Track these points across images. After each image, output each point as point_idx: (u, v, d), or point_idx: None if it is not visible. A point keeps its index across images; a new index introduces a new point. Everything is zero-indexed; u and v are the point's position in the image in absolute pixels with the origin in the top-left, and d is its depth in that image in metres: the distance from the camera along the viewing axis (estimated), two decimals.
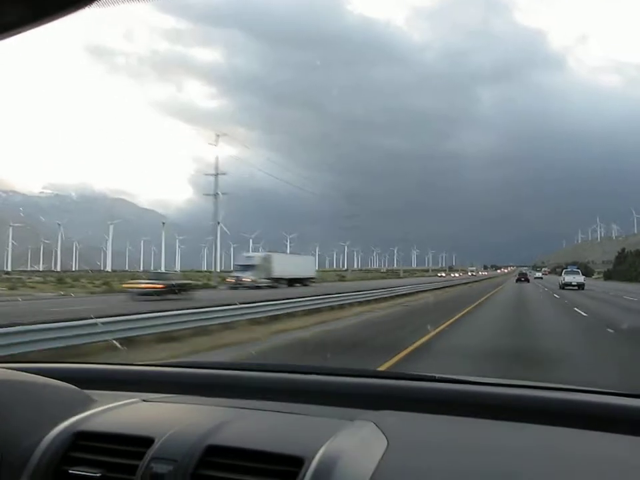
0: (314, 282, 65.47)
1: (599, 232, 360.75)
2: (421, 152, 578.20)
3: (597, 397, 1.67)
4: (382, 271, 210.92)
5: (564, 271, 61.06)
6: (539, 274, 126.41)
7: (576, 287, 53.21)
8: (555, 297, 40.58)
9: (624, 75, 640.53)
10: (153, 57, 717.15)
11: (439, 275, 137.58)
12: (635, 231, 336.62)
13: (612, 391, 1.73)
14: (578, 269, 62.89)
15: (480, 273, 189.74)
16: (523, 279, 77.80)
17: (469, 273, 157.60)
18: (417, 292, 40.46)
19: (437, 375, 1.98)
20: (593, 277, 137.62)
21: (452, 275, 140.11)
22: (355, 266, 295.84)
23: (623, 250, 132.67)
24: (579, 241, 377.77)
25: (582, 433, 1.47)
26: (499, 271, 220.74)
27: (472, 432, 1.54)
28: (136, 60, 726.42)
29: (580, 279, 55.28)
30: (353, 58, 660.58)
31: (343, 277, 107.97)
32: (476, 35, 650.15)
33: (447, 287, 54.03)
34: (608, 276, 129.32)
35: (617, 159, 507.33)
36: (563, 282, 55.06)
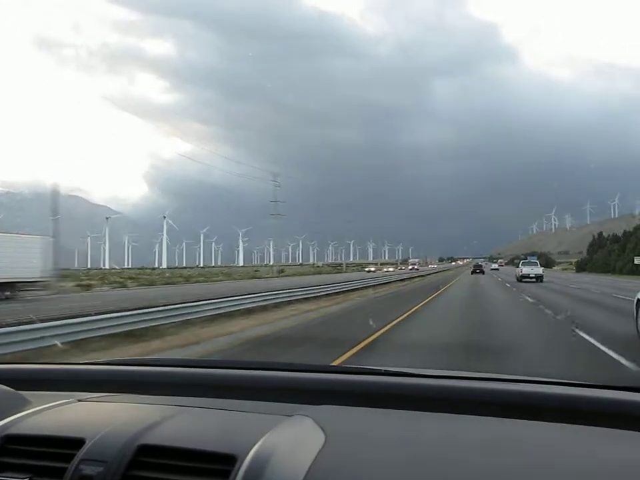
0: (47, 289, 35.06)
1: (553, 223, 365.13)
2: (377, 145, 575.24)
3: (543, 387, 1.69)
4: (318, 265, 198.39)
5: (521, 262, 55.16)
6: (495, 265, 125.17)
7: (534, 280, 48.21)
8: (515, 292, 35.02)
9: (575, 69, 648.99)
10: (103, 50, 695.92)
11: (368, 269, 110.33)
12: (588, 222, 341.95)
13: (557, 380, 1.74)
14: (537, 259, 58.26)
15: (430, 265, 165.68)
16: (478, 271, 77.63)
17: (409, 267, 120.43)
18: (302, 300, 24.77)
19: (381, 368, 1.94)
20: (555, 268, 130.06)
21: (385, 269, 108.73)
22: (312, 260, 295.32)
23: (600, 234, 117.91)
24: (534, 232, 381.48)
25: (517, 423, 1.49)
26: (454, 263, 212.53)
27: (414, 425, 1.53)
28: (86, 52, 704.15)
29: (538, 270, 50.01)
30: (309, 51, 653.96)
31: (282, 271, 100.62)
32: (430, 28, 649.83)
33: (361, 288, 35.99)
34: (581, 267, 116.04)
35: (571, 152, 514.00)
36: (520, 274, 49.54)
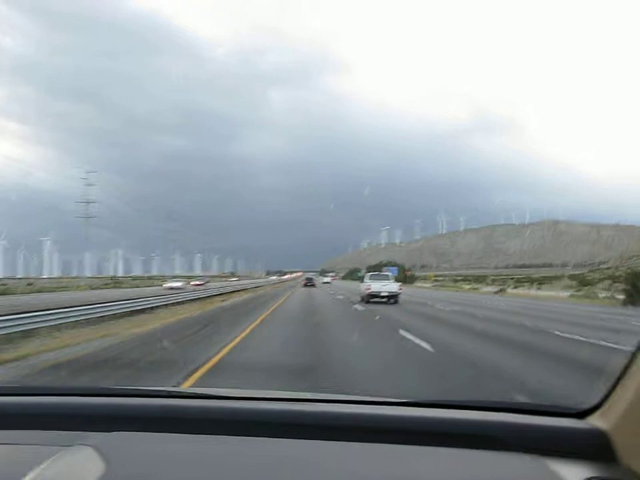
0: None
1: (383, 238, 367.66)
2: (210, 154, 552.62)
3: (376, 409, 1.66)
4: (117, 277, 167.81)
5: (369, 274, 37.38)
6: (327, 279, 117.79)
7: (386, 300, 32.82)
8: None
9: (409, 91, 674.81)
10: None
11: (169, 285, 70.42)
12: (417, 237, 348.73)
13: (388, 400, 1.75)
14: (396, 271, 43.09)
15: (234, 279, 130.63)
16: (309, 284, 79.19)
17: (193, 282, 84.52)
18: None
19: (181, 390, 1.99)
20: (420, 284, 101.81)
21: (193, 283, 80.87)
22: (135, 272, 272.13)
23: None
24: (365, 247, 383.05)
25: (335, 444, 1.44)
26: (283, 277, 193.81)
27: (214, 448, 1.49)
28: None
29: (393, 287, 33.81)
30: (138, 48, 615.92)
31: (30, 284, 77.22)
32: (270, 35, 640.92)
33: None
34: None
35: (402, 168, 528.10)
36: (368, 292, 33.21)
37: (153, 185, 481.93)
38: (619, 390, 1.26)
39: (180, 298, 32.93)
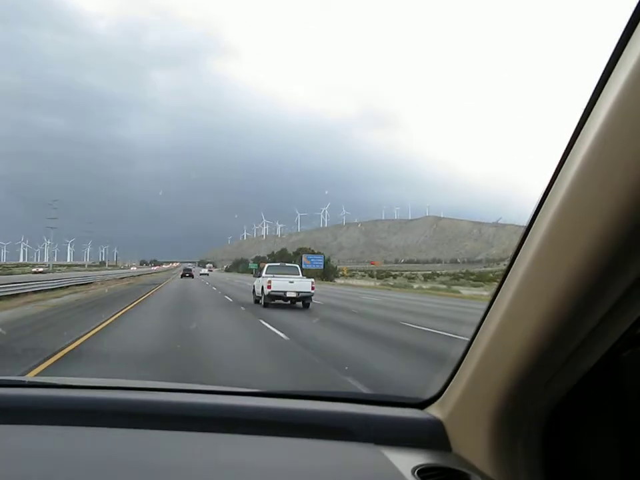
0: None
1: (264, 230, 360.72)
2: (89, 137, 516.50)
3: (234, 399, 1.65)
4: None
5: (267, 265, 26.43)
6: (204, 270, 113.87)
7: (292, 302, 23.05)
8: None
9: (292, 75, 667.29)
10: None
11: None
12: (298, 230, 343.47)
13: (241, 390, 1.71)
14: (315, 258, 32.75)
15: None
16: (187, 275, 75.39)
17: (33, 270, 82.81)
18: None
19: (12, 379, 1.85)
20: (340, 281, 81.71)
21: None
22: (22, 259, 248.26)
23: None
24: (245, 238, 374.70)
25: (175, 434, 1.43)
26: (154, 267, 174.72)
27: (51, 440, 1.42)
28: None
29: (305, 285, 23.45)
30: (11, 17, 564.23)
31: None
32: (156, 12, 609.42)
33: None
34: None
35: (287, 159, 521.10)
36: (268, 290, 22.78)
37: (27, 167, 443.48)
38: (454, 381, 1.29)
39: None
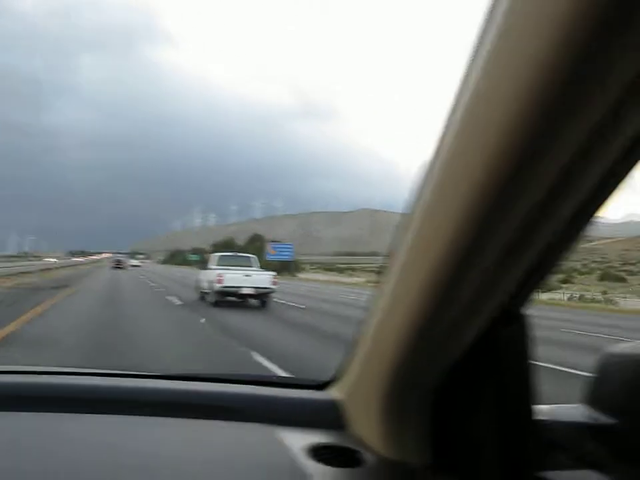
0: None
1: (197, 221, 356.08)
2: (12, 123, 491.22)
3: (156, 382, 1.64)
4: None
5: (218, 256, 22.55)
6: (135, 262, 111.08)
7: (246, 299, 19.97)
8: None
9: (227, 64, 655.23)
10: None
11: None
12: (232, 221, 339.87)
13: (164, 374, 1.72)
14: (284, 247, 29.11)
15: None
16: (118, 267, 75.01)
17: None
18: None
19: None
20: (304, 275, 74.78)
21: None
22: None
23: None
24: (178, 229, 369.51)
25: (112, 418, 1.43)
26: (79, 259, 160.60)
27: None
28: None
29: (263, 279, 20.02)
30: None
31: None
32: None
33: None
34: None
35: (221, 150, 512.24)
36: (219, 285, 19.28)
37: None
38: (351, 361, 1.32)
39: None
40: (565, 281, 67.44)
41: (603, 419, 1.00)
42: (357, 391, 1.29)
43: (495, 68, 0.64)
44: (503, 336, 0.99)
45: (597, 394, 1.03)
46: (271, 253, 61.49)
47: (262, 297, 19.84)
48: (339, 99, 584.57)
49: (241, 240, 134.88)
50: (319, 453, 1.22)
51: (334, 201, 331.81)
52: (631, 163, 0.71)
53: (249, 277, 19.68)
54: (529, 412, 1.03)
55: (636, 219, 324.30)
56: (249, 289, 19.50)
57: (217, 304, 19.13)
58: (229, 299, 19.63)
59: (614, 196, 0.75)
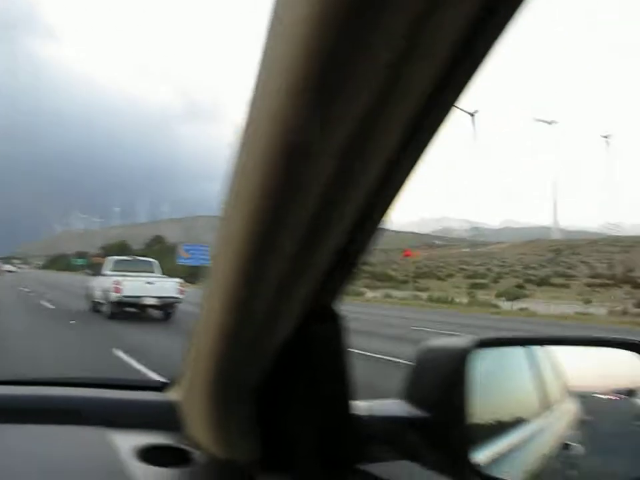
0: None
1: (81, 223, 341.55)
2: None
3: None
4: None
5: (113, 260, 19.65)
6: (13, 268, 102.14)
7: (144, 310, 17.39)
8: None
9: (121, 72, 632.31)
10: None
11: None
12: (117, 223, 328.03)
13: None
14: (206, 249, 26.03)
15: None
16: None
17: None
18: None
19: None
20: None
21: None
22: None
23: None
24: (60, 232, 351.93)
25: None
26: None
27: None
28: None
29: (169, 287, 17.46)
30: None
31: None
32: None
33: None
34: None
35: (105, 149, 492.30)
36: (116, 295, 16.55)
37: None
38: (187, 362, 1.26)
39: None
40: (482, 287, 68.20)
41: (419, 412, 1.03)
42: (190, 392, 1.24)
43: (270, 62, 0.63)
44: (316, 333, 1.00)
45: (412, 389, 1.07)
46: (184, 257, 51.57)
47: (166, 308, 17.44)
48: (225, 100, 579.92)
49: (134, 243, 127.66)
50: (149, 454, 1.23)
51: (220, 205, 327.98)
52: (407, 166, 0.70)
53: (151, 285, 17.20)
54: (346, 407, 1.04)
55: (512, 225, 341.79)
56: (152, 298, 17.05)
57: (113, 316, 16.44)
58: (128, 310, 16.95)
59: (399, 195, 0.73)
